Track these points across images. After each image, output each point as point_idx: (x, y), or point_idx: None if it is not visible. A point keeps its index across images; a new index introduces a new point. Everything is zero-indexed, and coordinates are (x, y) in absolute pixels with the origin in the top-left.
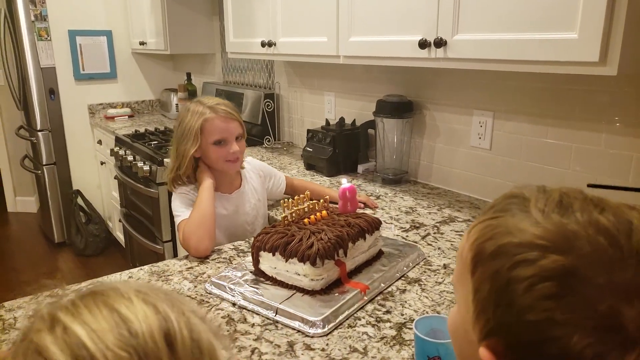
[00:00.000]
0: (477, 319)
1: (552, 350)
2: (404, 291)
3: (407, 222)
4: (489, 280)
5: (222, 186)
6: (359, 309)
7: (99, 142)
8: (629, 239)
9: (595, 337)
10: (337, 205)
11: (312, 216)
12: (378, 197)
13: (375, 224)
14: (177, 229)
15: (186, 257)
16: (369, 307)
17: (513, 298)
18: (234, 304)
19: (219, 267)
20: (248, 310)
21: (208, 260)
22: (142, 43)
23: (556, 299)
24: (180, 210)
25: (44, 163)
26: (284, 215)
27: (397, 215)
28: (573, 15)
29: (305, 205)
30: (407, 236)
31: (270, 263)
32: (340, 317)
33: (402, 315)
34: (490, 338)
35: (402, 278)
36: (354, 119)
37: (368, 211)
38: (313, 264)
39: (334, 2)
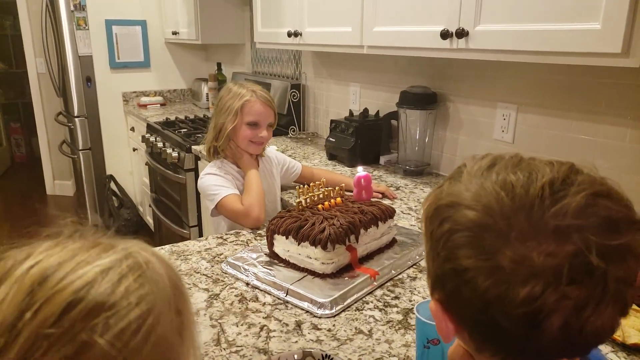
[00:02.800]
0: (428, 276)
1: (467, 292)
2: (414, 279)
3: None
4: (428, 239)
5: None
6: (368, 294)
7: (132, 129)
8: (525, 190)
9: (492, 277)
10: (352, 193)
11: (327, 202)
12: (398, 188)
13: (389, 213)
14: (218, 204)
15: (205, 239)
16: (378, 292)
17: (438, 251)
18: (247, 284)
19: (236, 249)
20: (260, 290)
21: (226, 242)
22: (174, 33)
23: (464, 247)
24: (220, 188)
25: (80, 148)
26: (298, 200)
27: (416, 207)
28: (596, 5)
29: (321, 191)
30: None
31: (283, 246)
32: (349, 300)
33: (410, 301)
34: (435, 291)
35: (414, 266)
36: (378, 110)
37: (387, 201)
38: (324, 247)
39: None
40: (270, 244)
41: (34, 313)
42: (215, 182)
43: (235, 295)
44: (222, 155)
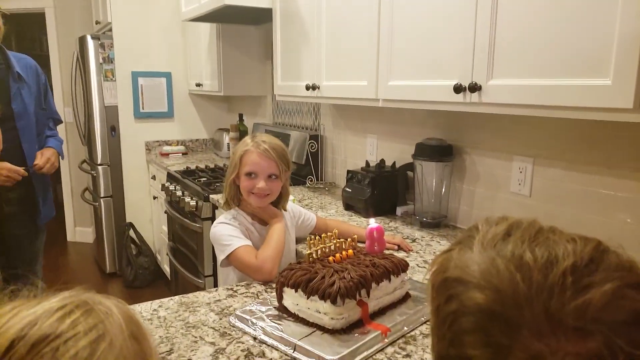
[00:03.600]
0: (432, 351)
1: None
2: (427, 335)
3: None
4: (434, 313)
5: (260, 218)
6: (378, 351)
7: (153, 177)
8: (544, 274)
9: None
10: (364, 245)
11: (338, 254)
12: (414, 241)
13: (402, 266)
14: (230, 255)
15: (216, 290)
16: (389, 349)
17: (444, 332)
18: (254, 338)
19: (245, 301)
20: (267, 345)
21: (236, 293)
22: (198, 85)
23: (471, 334)
24: (234, 239)
25: (101, 196)
26: (309, 252)
27: (432, 260)
28: (606, 61)
29: (332, 243)
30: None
31: (292, 299)
32: (358, 358)
33: (422, 359)
34: None
35: (427, 323)
36: (394, 162)
37: (402, 254)
38: (334, 302)
39: (374, 48)
40: (280, 297)
41: None
42: (228, 232)
43: (241, 350)
44: (234, 205)
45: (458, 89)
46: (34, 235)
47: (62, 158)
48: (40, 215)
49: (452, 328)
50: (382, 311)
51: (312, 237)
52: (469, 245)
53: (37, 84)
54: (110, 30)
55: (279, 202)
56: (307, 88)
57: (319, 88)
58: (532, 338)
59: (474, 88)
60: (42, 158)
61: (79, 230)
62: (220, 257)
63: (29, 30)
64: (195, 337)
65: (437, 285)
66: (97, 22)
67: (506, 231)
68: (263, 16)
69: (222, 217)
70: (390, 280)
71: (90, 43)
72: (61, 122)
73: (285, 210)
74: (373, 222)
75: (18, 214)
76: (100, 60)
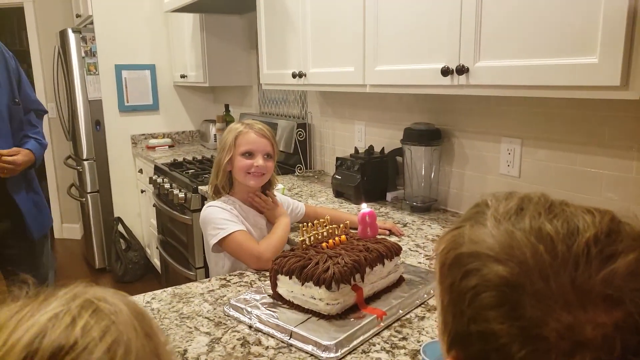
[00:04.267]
0: (444, 330)
1: (496, 359)
2: (422, 318)
3: (432, 250)
4: (447, 291)
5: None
6: (375, 335)
7: (140, 171)
8: (568, 245)
9: (530, 347)
10: (357, 231)
11: (331, 240)
12: (405, 225)
13: (395, 250)
14: (225, 238)
15: (209, 280)
16: (385, 333)
17: (463, 309)
18: (250, 327)
19: (239, 290)
20: (263, 332)
21: (229, 283)
22: (182, 76)
23: (495, 308)
24: (228, 223)
25: (88, 191)
26: (302, 239)
27: (424, 243)
28: (593, 40)
29: (325, 229)
30: (431, 264)
31: (287, 286)
32: (355, 342)
33: (419, 342)
34: (453, 348)
35: (422, 305)
36: (383, 147)
37: (394, 238)
38: (328, 287)
39: (360, 33)
40: (274, 285)
41: None
42: (222, 215)
43: (237, 339)
44: (225, 193)
45: (445, 71)
46: (32, 251)
47: (36, 165)
48: (31, 229)
49: (473, 304)
50: (377, 295)
51: (305, 224)
52: (480, 221)
53: (5, 72)
54: (92, 23)
55: (268, 187)
56: (294, 76)
57: (305, 75)
58: (562, 310)
59: (462, 70)
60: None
61: (66, 227)
62: (212, 241)
63: (8, 25)
64: (190, 328)
65: (449, 263)
66: (78, 16)
67: (518, 205)
68: (247, 4)
69: (213, 202)
70: (384, 264)
71: (72, 37)
72: (45, 112)
73: (274, 195)
74: (365, 207)
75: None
76: (83, 54)
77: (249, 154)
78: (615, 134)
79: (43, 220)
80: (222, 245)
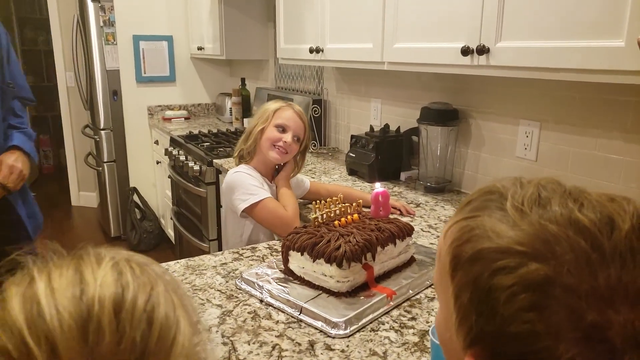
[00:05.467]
0: (460, 326)
1: None
2: (432, 299)
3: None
4: (469, 287)
5: (268, 175)
6: (384, 314)
7: (156, 142)
8: (610, 239)
9: (581, 347)
10: (369, 210)
11: (343, 219)
12: (418, 205)
13: (407, 230)
14: (257, 204)
15: (222, 253)
16: (394, 312)
17: (495, 307)
18: (261, 301)
19: (251, 265)
20: (274, 307)
21: (242, 257)
22: (200, 48)
23: (538, 310)
24: (259, 191)
25: (104, 160)
26: (314, 216)
27: (436, 224)
28: (620, 23)
29: (337, 207)
30: None
31: (298, 263)
32: (364, 320)
33: (427, 323)
34: (475, 346)
35: (432, 286)
36: (399, 126)
37: (405, 219)
38: (339, 265)
39: (379, 9)
40: (286, 261)
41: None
42: (251, 181)
43: (248, 312)
44: (245, 161)
45: (465, 51)
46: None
47: (36, 160)
48: (27, 229)
49: (509, 305)
50: (387, 275)
51: (318, 201)
52: (499, 211)
53: None
54: None
55: (285, 169)
56: (311, 51)
57: (322, 51)
58: (612, 308)
59: (482, 50)
60: (1, 171)
61: (83, 195)
62: (242, 205)
63: None
64: (202, 300)
65: (467, 257)
66: None
67: (536, 191)
68: None
69: (239, 167)
70: (395, 244)
71: (90, 6)
72: (33, 102)
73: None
74: (379, 186)
75: None
76: (101, 24)
77: (282, 129)
78: (636, 119)
79: (36, 216)
80: (251, 211)
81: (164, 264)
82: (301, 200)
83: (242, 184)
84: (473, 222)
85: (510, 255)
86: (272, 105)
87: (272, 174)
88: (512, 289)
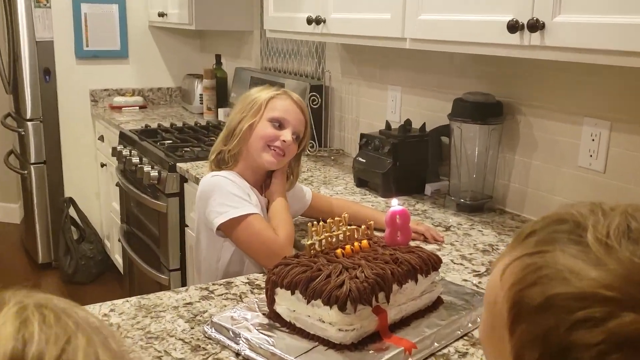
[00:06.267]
0: None
1: None
2: (464, 354)
3: (482, 264)
4: (537, 345)
5: (257, 184)
6: None
7: (101, 138)
8: None
9: None
10: (383, 234)
11: (348, 246)
12: (448, 229)
13: (433, 263)
14: (239, 219)
15: (186, 290)
16: None
17: None
18: (237, 354)
19: (225, 306)
20: None
21: (213, 294)
22: (161, 15)
23: None
24: (243, 203)
25: (32, 161)
26: (310, 242)
27: (471, 254)
28: None
29: (341, 231)
30: (479, 282)
31: (288, 304)
32: None
33: None
34: None
35: (465, 337)
36: (424, 123)
37: (429, 247)
38: (342, 309)
39: None
40: (271, 301)
41: None
42: (234, 190)
43: None
44: (231, 166)
45: (513, 27)
46: None
47: None
48: None
49: None
50: (405, 321)
51: (315, 223)
52: (574, 245)
53: None
54: None
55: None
56: (309, 22)
57: (324, 22)
58: None
59: (535, 26)
60: None
61: (2, 207)
62: (217, 220)
63: None
64: (160, 352)
65: (536, 306)
66: None
67: (623, 222)
68: None
69: (219, 172)
70: (417, 281)
71: None
72: None
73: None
74: (396, 204)
75: None
76: None
77: (279, 125)
78: None
79: None
80: (229, 229)
81: (107, 303)
82: (300, 217)
83: (221, 191)
84: (541, 259)
85: (596, 302)
86: (264, 93)
87: (262, 183)
88: (599, 348)
